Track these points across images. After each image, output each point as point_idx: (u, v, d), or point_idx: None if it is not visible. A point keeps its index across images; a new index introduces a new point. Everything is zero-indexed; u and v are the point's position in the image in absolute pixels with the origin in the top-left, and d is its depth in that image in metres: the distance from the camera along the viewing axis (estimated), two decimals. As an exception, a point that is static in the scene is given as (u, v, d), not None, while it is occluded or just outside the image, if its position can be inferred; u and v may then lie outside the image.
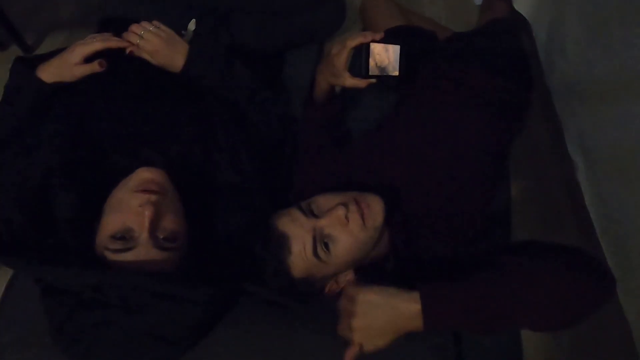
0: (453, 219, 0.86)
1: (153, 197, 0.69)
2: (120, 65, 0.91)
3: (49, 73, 0.87)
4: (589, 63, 0.97)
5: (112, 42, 0.88)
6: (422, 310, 0.64)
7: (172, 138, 0.86)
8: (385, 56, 0.87)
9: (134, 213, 0.68)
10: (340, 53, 0.87)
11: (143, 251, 0.67)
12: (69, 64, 0.87)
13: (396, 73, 0.88)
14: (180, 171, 0.80)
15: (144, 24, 0.90)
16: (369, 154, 0.94)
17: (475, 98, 1.01)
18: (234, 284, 0.72)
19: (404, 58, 0.87)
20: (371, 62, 0.86)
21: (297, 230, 0.74)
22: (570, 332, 0.96)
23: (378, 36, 0.85)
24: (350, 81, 0.89)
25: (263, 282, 0.74)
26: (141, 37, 0.88)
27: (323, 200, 0.77)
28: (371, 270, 0.81)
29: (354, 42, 0.85)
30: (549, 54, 1.18)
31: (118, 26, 0.95)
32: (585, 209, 0.97)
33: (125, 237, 0.68)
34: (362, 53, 0.86)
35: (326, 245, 0.74)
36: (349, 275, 0.80)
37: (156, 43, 0.89)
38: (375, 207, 0.77)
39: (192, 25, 1.05)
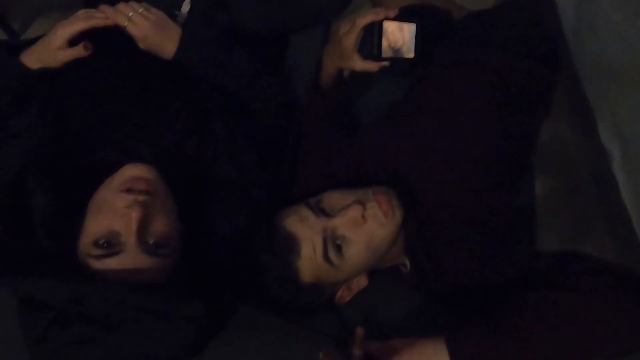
0: (473, 215, 0.78)
1: (141, 197, 0.62)
2: (104, 46, 0.82)
3: (32, 59, 0.79)
4: (627, 43, 0.88)
5: (97, 21, 0.80)
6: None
7: (162, 129, 0.78)
8: (400, 36, 0.79)
9: (119, 215, 0.61)
10: (349, 32, 0.79)
11: (130, 258, 0.60)
12: (51, 48, 0.79)
13: (411, 55, 0.80)
14: (171, 166, 0.72)
15: (133, 4, 0.82)
16: (380, 145, 0.87)
17: (495, 82, 0.93)
18: (233, 295, 0.64)
19: (420, 38, 0.80)
20: (384, 43, 0.78)
21: (306, 231, 0.67)
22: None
23: (392, 13, 0.77)
24: (361, 64, 0.81)
25: (264, 290, 0.67)
26: (129, 19, 0.80)
27: (335, 197, 0.71)
28: (386, 275, 0.74)
29: (365, 19, 0.77)
30: (577, 33, 1.09)
31: (105, 4, 0.86)
32: (621, 204, 0.88)
33: (110, 243, 0.61)
34: (374, 32, 0.78)
35: (339, 247, 0.67)
36: (362, 281, 0.73)
37: (145, 28, 0.80)
38: (394, 202, 0.70)
39: (186, 6, 0.96)
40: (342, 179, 0.82)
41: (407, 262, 0.76)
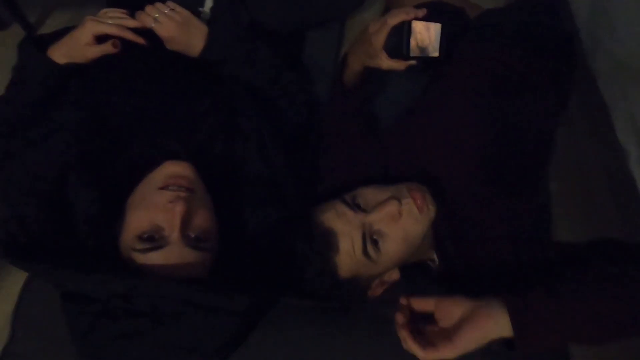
0: (501, 210, 0.79)
1: (183, 193, 0.63)
2: (136, 47, 0.83)
3: (60, 54, 0.80)
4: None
5: (127, 33, 0.81)
6: (515, 332, 0.56)
7: (192, 127, 0.79)
8: (427, 35, 0.80)
9: (162, 210, 0.62)
10: (379, 32, 0.79)
11: (175, 251, 0.61)
12: (80, 43, 0.80)
13: (436, 54, 0.81)
14: (203, 163, 0.73)
15: (159, 5, 0.83)
16: (405, 141, 0.88)
17: (512, 78, 0.94)
18: (272, 289, 0.66)
19: (445, 38, 0.81)
20: (412, 42, 0.78)
21: (344, 227, 0.68)
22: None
23: (421, 13, 0.78)
24: (389, 63, 0.82)
25: (302, 283, 0.69)
26: (156, 20, 0.81)
27: (371, 193, 0.72)
28: (417, 270, 0.76)
29: (395, 19, 0.78)
30: (593, 32, 1.10)
31: (128, 2, 0.87)
32: (637, 201, 0.91)
33: (153, 237, 0.62)
34: (402, 32, 0.78)
35: (376, 242, 0.68)
36: (394, 275, 0.74)
37: (172, 28, 0.81)
38: (428, 197, 0.72)
39: (209, 3, 0.97)
40: (370, 176, 0.83)
41: (436, 257, 0.78)
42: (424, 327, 0.60)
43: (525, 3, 1.20)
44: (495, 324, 0.57)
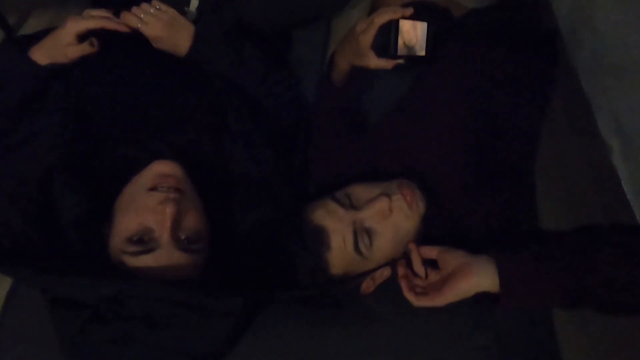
0: (489, 204, 0.80)
1: (172, 194, 0.62)
2: (119, 45, 0.82)
3: (41, 55, 0.78)
4: (624, 38, 0.91)
5: (109, 23, 0.79)
6: (500, 283, 0.61)
7: (179, 127, 0.79)
8: (414, 34, 0.81)
9: (152, 212, 0.61)
10: (366, 31, 0.80)
11: (165, 254, 0.61)
12: (61, 44, 0.78)
13: (423, 53, 0.82)
14: (191, 163, 0.73)
15: (144, 5, 0.82)
16: (393, 139, 0.88)
17: (496, 76, 0.96)
18: (266, 288, 0.65)
19: (432, 36, 0.81)
20: (400, 41, 0.79)
21: (335, 224, 0.68)
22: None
23: (408, 12, 0.79)
24: (376, 62, 0.82)
25: (295, 282, 0.68)
26: (141, 20, 0.80)
27: (361, 190, 0.72)
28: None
29: (382, 18, 0.79)
30: (574, 29, 1.12)
31: (113, 2, 0.85)
32: (622, 194, 0.92)
33: (143, 239, 0.61)
34: (390, 31, 0.79)
35: (367, 238, 0.69)
36: (386, 272, 0.74)
37: (158, 28, 0.80)
38: (418, 193, 0.73)
39: (195, 3, 0.96)
40: (359, 173, 0.83)
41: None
42: (425, 276, 0.68)
43: (508, 2, 1.23)
44: (483, 278, 0.62)
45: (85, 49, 0.79)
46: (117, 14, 0.83)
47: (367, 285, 0.74)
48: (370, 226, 0.69)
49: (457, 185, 0.81)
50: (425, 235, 0.77)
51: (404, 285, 0.68)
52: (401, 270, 0.69)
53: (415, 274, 0.70)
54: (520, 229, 0.79)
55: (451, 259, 0.66)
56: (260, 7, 1.10)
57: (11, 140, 0.72)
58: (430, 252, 0.69)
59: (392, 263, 0.75)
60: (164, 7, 0.83)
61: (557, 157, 1.17)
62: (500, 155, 0.87)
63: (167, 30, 0.81)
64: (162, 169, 0.67)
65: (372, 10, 1.34)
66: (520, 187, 0.88)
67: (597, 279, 0.60)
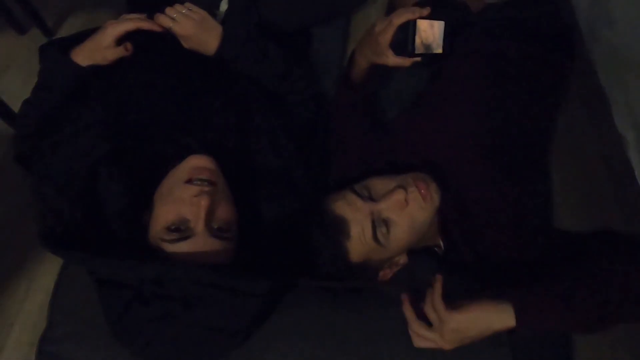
0: (505, 197, 0.83)
1: (207, 187, 0.68)
2: (154, 48, 0.88)
3: (82, 56, 0.84)
4: (641, 32, 0.92)
5: (144, 24, 0.85)
6: (517, 323, 0.62)
7: (207, 124, 0.84)
8: (431, 33, 0.83)
9: (188, 204, 0.66)
10: (385, 31, 0.83)
11: (200, 241, 0.66)
12: (100, 47, 0.84)
13: (440, 50, 0.85)
14: (219, 157, 0.77)
15: (177, 6, 0.87)
16: (411, 133, 0.92)
17: (513, 71, 0.97)
18: (291, 273, 0.70)
19: (448, 34, 0.84)
20: (417, 40, 0.82)
21: (355, 214, 0.73)
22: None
23: (425, 12, 0.82)
24: (394, 60, 0.86)
25: (317, 268, 0.73)
26: (174, 19, 0.85)
27: (379, 183, 0.76)
28: (423, 254, 0.80)
29: (400, 19, 0.82)
30: (592, 24, 1.13)
31: (148, 5, 0.91)
32: (635, 187, 0.94)
33: (180, 228, 0.66)
34: (408, 30, 0.82)
35: (385, 228, 0.72)
36: (403, 259, 0.79)
37: (189, 27, 0.85)
38: (432, 187, 0.76)
39: (224, 5, 1.01)
40: (378, 167, 0.87)
41: (442, 243, 0.82)
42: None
43: (526, -3, 1.23)
44: (500, 311, 0.62)
45: (121, 51, 0.85)
46: (151, 17, 0.88)
47: (385, 272, 0.78)
48: (387, 217, 0.73)
49: (474, 178, 0.84)
50: (441, 225, 0.81)
51: (409, 315, 0.67)
52: (405, 300, 0.68)
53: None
54: (534, 223, 0.81)
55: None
56: (282, 7, 1.13)
57: (59, 137, 0.78)
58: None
59: (408, 251, 0.79)
60: (194, 8, 0.88)
61: (573, 150, 1.19)
62: (516, 149, 0.88)
63: (197, 29, 0.86)
64: (197, 162, 0.72)
65: (390, 6, 1.36)
66: (536, 181, 0.90)
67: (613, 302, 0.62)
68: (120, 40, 0.85)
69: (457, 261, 0.80)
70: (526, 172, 0.88)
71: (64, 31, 1.50)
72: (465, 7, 1.22)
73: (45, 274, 0.99)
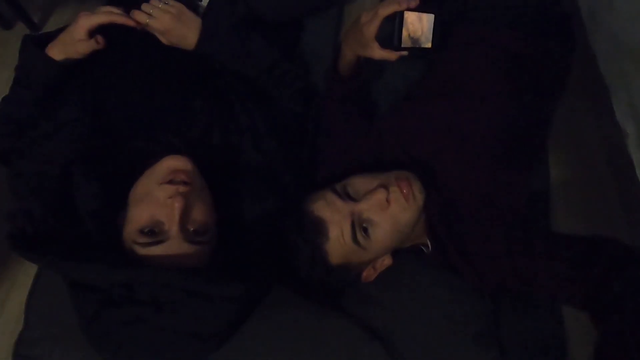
0: (491, 194, 0.80)
1: (182, 188, 0.65)
2: (131, 44, 0.85)
3: (57, 50, 0.82)
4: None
5: (118, 18, 0.82)
6: None
7: (189, 120, 0.81)
8: (419, 26, 0.80)
9: (162, 205, 0.64)
10: (371, 22, 0.80)
11: (174, 245, 0.64)
12: (73, 40, 0.82)
13: (429, 45, 0.81)
14: (200, 155, 0.75)
15: (153, 1, 0.84)
16: (399, 128, 0.89)
17: (510, 62, 0.94)
18: (267, 277, 0.68)
19: (438, 28, 0.80)
20: (404, 33, 0.79)
21: (333, 215, 0.70)
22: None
23: (413, 3, 0.78)
24: (380, 53, 0.82)
25: (296, 271, 0.71)
26: (150, 15, 0.82)
27: (360, 182, 0.73)
28: (410, 254, 0.78)
29: (387, 10, 0.78)
30: (593, 11, 1.08)
31: (127, 1, 0.88)
32: (635, 181, 0.90)
33: (154, 231, 0.64)
34: (394, 22, 0.78)
35: (365, 230, 0.70)
36: (387, 260, 0.76)
37: (167, 21, 0.83)
38: (415, 186, 0.73)
39: (207, -3, 0.98)
40: (364, 163, 0.84)
41: (429, 242, 0.79)
42: None
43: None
44: None
45: (93, 44, 0.82)
46: (128, 11, 0.85)
47: (368, 274, 0.76)
48: (368, 217, 0.70)
49: (461, 176, 0.81)
50: (427, 223, 0.78)
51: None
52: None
53: None
54: (525, 222, 0.78)
55: None
56: (271, -1, 1.10)
57: (34, 134, 0.77)
58: None
59: (393, 253, 0.76)
60: (171, 1, 0.85)
61: (573, 145, 1.15)
62: (509, 144, 0.85)
63: (174, 23, 0.83)
64: (173, 164, 0.69)
65: (385, -4, 1.32)
66: (529, 178, 0.87)
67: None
68: (93, 34, 0.82)
69: (444, 260, 0.77)
70: (520, 169, 0.85)
71: (50, 26, 1.49)
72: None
73: (26, 274, 0.98)
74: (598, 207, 1.06)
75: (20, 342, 0.76)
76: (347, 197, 0.72)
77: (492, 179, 0.81)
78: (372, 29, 0.80)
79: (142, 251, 0.64)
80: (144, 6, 0.83)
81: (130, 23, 0.82)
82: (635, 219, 1.01)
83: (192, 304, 0.61)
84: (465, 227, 0.77)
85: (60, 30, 0.87)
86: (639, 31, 0.91)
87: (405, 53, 0.81)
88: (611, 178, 1.07)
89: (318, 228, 0.70)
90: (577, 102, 1.15)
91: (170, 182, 0.66)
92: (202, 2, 0.97)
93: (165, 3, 0.84)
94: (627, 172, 0.96)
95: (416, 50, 0.81)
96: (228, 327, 0.66)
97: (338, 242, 0.70)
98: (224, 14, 0.97)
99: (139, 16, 0.82)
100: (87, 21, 0.81)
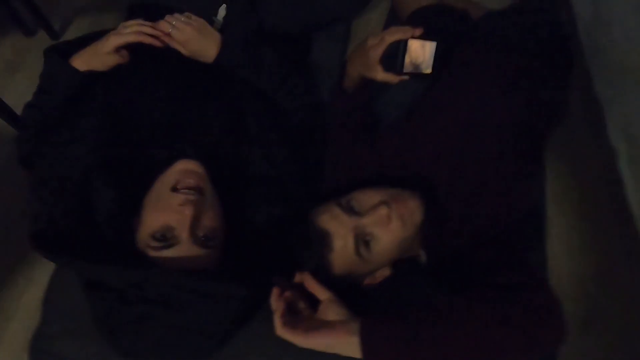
0: (489, 212, 0.83)
1: (192, 196, 0.69)
2: (152, 55, 0.90)
3: (82, 62, 0.87)
4: (638, 42, 0.91)
5: (146, 39, 0.87)
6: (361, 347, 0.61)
7: (202, 130, 0.85)
8: (421, 53, 0.84)
9: (174, 212, 0.68)
10: (376, 47, 0.84)
11: (184, 249, 0.68)
12: (100, 53, 0.87)
13: (429, 71, 0.86)
14: (212, 164, 0.79)
15: (176, 14, 0.89)
16: (402, 144, 0.92)
17: (510, 82, 0.96)
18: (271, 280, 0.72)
19: (439, 55, 0.85)
20: (406, 59, 0.83)
21: (338, 228, 0.73)
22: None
23: (417, 32, 0.82)
24: (383, 75, 0.87)
25: None
26: (173, 26, 0.88)
27: (364, 197, 0.76)
28: (406, 266, 0.81)
29: (392, 37, 0.83)
30: (592, 33, 1.12)
31: (147, 11, 0.94)
32: (625, 201, 0.93)
33: (165, 236, 0.68)
34: (398, 49, 0.83)
35: (367, 243, 0.73)
36: (386, 271, 0.79)
37: (189, 32, 0.88)
38: (414, 205, 0.76)
39: (222, 11, 1.03)
40: (367, 178, 0.87)
41: (423, 254, 0.82)
42: (304, 308, 0.67)
43: (526, 5, 1.22)
44: (347, 344, 0.61)
45: (118, 59, 0.88)
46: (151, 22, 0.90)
47: (369, 283, 0.79)
48: (370, 232, 0.73)
49: (460, 194, 0.84)
50: (427, 238, 0.81)
51: (276, 307, 0.65)
52: (275, 293, 0.67)
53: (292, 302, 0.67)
54: (519, 239, 0.81)
55: (333, 311, 0.65)
56: (282, 12, 1.14)
57: (56, 140, 0.81)
58: (321, 293, 0.68)
59: (392, 264, 0.80)
60: (194, 17, 0.90)
61: (569, 160, 1.17)
62: (507, 163, 0.88)
63: (196, 36, 0.88)
64: (184, 166, 0.74)
65: (392, 12, 1.36)
66: (526, 196, 0.89)
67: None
68: (119, 49, 0.87)
69: (439, 271, 0.80)
70: (516, 188, 0.87)
71: (70, 34, 1.54)
72: (465, 14, 1.22)
73: (43, 271, 1.03)
74: (591, 223, 1.08)
75: (37, 337, 0.80)
76: (351, 211, 0.74)
77: (490, 196, 0.84)
78: (377, 53, 0.84)
79: (154, 254, 0.68)
80: (168, 17, 0.88)
81: (157, 44, 0.87)
82: (627, 235, 1.03)
83: (199, 304, 0.65)
84: (459, 241, 0.80)
85: (80, 39, 0.93)
86: (633, 54, 0.94)
87: (406, 77, 0.86)
88: (605, 195, 1.10)
89: (323, 239, 0.73)
90: (574, 119, 1.18)
91: (181, 188, 0.70)
92: (218, 17, 1.02)
93: (188, 17, 0.89)
94: (619, 189, 0.99)
95: (417, 76, 0.86)
96: (232, 325, 0.70)
97: (341, 253, 0.73)
98: (241, 30, 1.01)
99: (164, 25, 0.87)
100: (118, 39, 0.86)
